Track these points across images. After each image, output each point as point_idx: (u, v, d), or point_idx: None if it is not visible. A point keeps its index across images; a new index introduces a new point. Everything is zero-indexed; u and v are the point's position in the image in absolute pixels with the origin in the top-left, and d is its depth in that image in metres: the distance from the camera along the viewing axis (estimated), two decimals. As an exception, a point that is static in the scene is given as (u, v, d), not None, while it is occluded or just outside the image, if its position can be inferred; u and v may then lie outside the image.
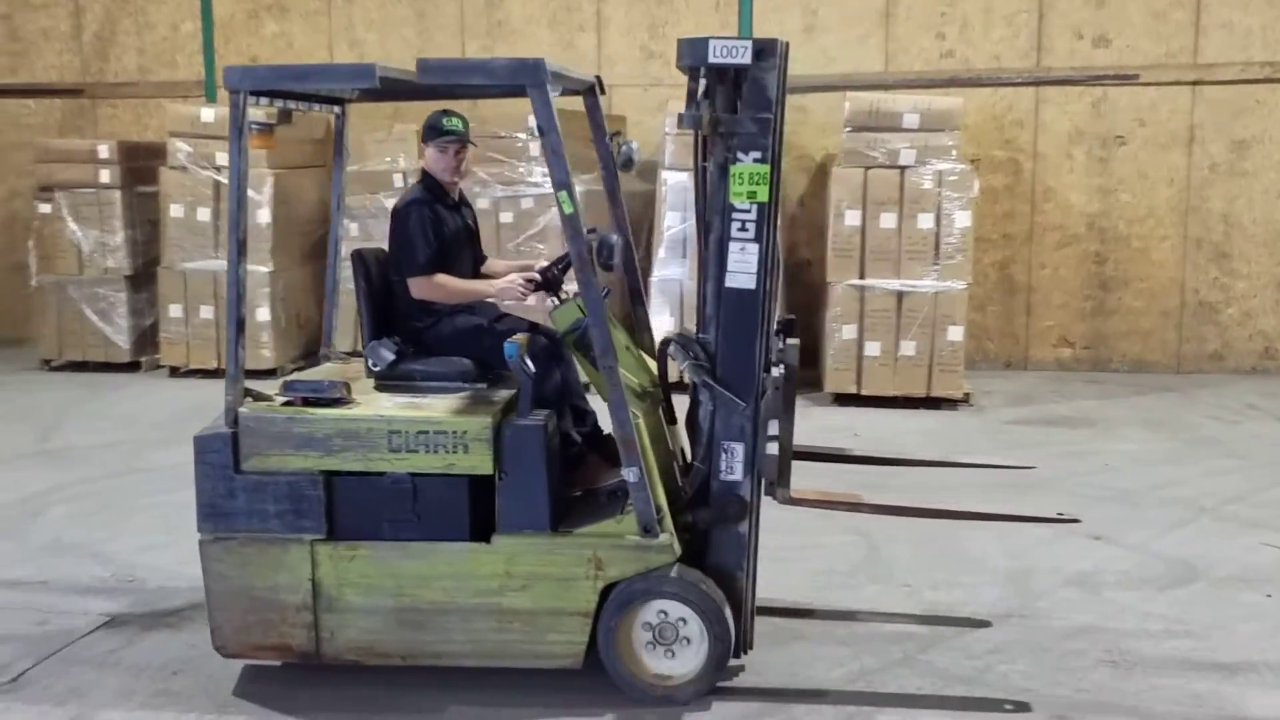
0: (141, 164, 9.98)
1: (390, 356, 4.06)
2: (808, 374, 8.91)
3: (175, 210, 9.57)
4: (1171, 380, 9.40)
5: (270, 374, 9.45)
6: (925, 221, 8.32)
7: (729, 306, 3.84)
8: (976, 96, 9.43)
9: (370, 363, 4.10)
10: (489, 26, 10.40)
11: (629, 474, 3.72)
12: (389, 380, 4.11)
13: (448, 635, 3.83)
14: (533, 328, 4.26)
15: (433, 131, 4.37)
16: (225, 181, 9.36)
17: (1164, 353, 9.75)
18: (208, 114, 9.57)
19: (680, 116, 3.83)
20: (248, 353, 9.91)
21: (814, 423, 7.92)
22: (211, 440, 3.82)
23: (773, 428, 3.86)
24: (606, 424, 3.96)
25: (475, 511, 3.80)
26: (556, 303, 4.20)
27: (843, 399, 8.44)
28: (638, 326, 4.55)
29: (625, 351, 4.13)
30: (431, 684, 3.96)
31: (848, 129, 8.49)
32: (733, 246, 3.80)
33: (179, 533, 5.44)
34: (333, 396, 3.87)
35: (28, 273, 10.18)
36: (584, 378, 4.18)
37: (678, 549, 3.80)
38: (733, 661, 3.93)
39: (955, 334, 8.34)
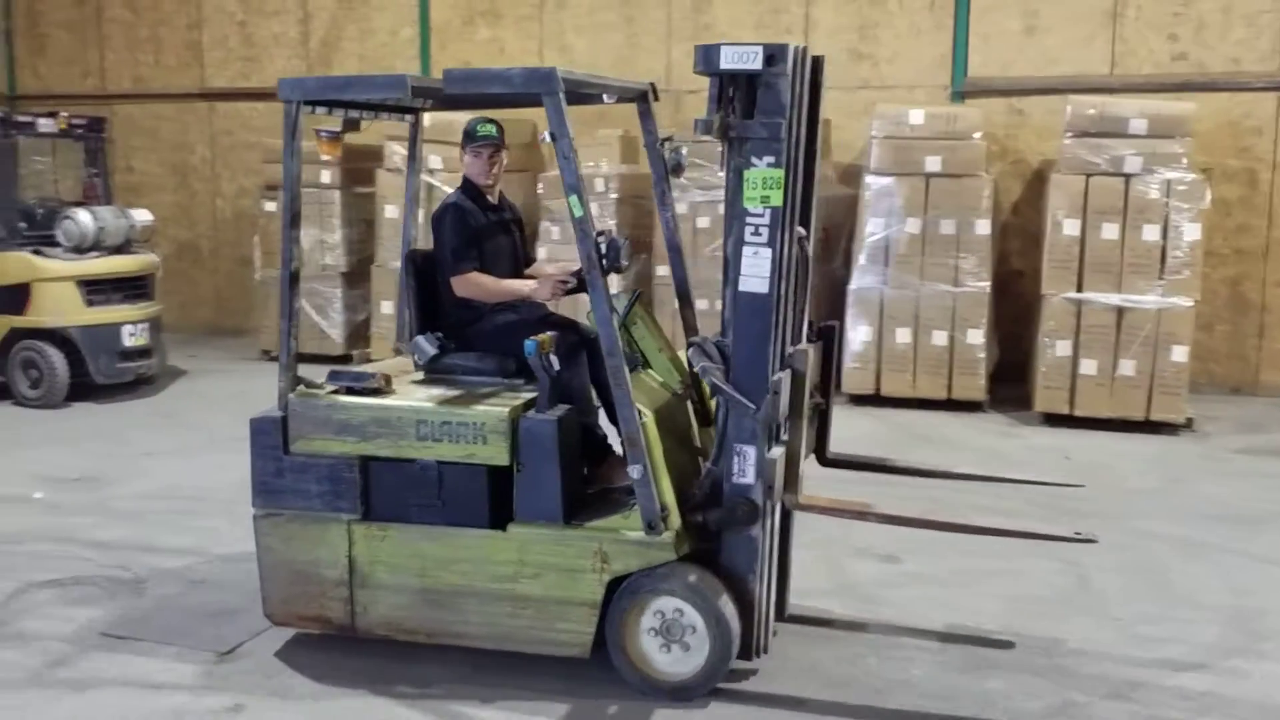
0: (359, 166, 10.42)
1: (431, 350, 4.26)
2: (1016, 391, 8.53)
3: (389, 211, 9.94)
4: None
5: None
6: (1150, 233, 7.83)
7: (742, 310, 3.86)
8: (1210, 102, 8.82)
9: (414, 357, 4.32)
10: (695, 31, 10.40)
11: (633, 471, 3.80)
12: (434, 373, 4.31)
13: (466, 617, 4.02)
14: (568, 325, 4.37)
15: (467, 137, 4.52)
16: (436, 184, 9.70)
17: None
18: (425, 119, 9.89)
19: (696, 122, 3.86)
20: (381, 347, 10.17)
21: (1020, 442, 7.58)
22: (264, 423, 4.13)
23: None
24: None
25: (494, 500, 3.96)
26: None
27: (1053, 419, 8.02)
28: (687, 329, 4.53)
29: (658, 354, 4.31)
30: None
31: (1068, 134, 8.08)
32: (746, 250, 3.82)
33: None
34: (371, 387, 4.10)
35: (253, 267, 10.79)
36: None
37: (684, 548, 3.84)
38: (749, 664, 3.98)
39: (1179, 354, 7.81)
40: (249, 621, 4.42)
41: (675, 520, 3.84)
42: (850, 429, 7.89)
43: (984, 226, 8.36)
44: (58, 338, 8.40)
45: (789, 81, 3.74)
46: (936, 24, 9.71)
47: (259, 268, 10.62)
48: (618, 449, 4.13)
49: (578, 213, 3.82)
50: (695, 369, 3.99)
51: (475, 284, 4.35)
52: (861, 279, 8.60)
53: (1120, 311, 7.88)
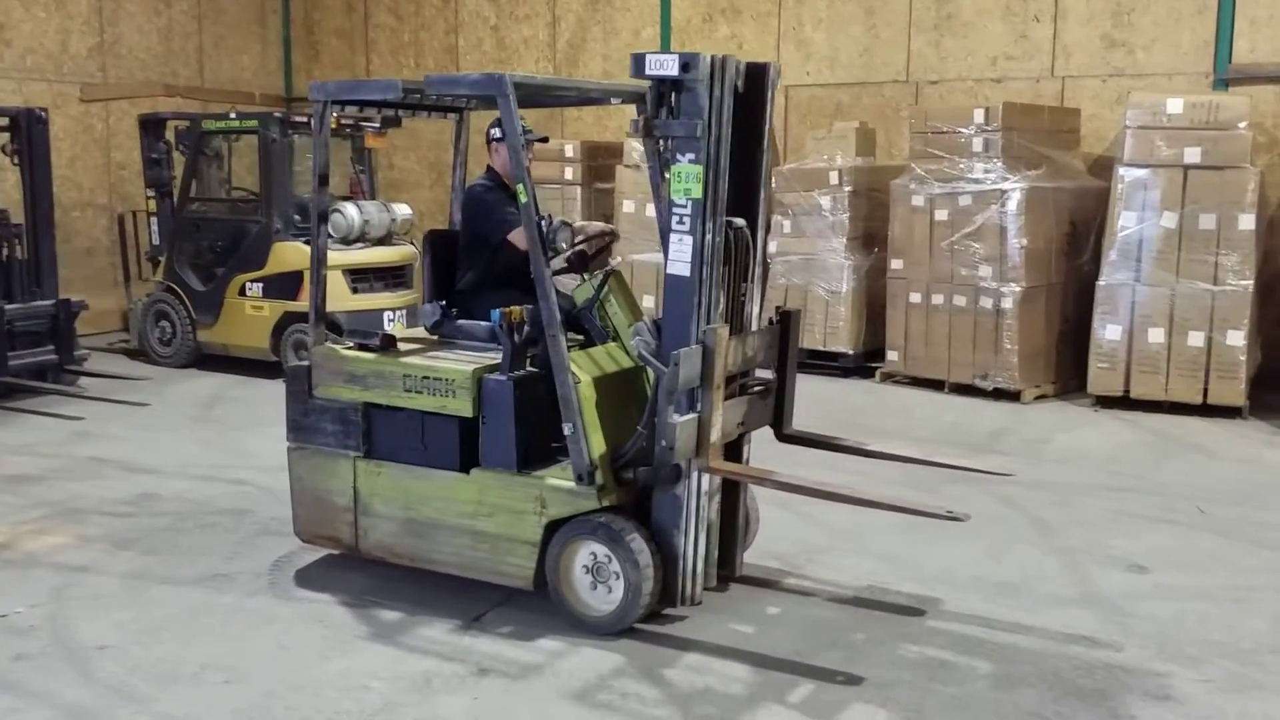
0: (600, 162, 10.76)
1: (435, 316, 4.96)
2: (1273, 398, 7.97)
3: (628, 206, 10.23)
4: None
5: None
6: None
7: (669, 290, 4.31)
8: None
9: (421, 321, 5.01)
10: (938, 20, 10.20)
11: (565, 428, 4.28)
12: (443, 338, 4.96)
13: (438, 546, 4.63)
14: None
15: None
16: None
17: None
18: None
19: (631, 122, 4.45)
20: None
21: (1283, 451, 7.10)
22: (297, 370, 4.93)
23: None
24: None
25: (464, 447, 4.54)
26: (579, 281, 4.89)
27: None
28: None
29: (628, 329, 4.61)
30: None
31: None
32: (672, 238, 4.27)
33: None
34: (376, 345, 4.80)
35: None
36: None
37: (610, 498, 4.31)
38: (678, 610, 4.44)
39: None
40: (492, 593, 4.68)
41: (603, 474, 4.30)
42: (1096, 433, 7.60)
43: (1248, 221, 7.84)
44: (326, 321, 9.04)
45: (706, 87, 4.15)
46: (1199, 7, 9.16)
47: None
48: None
49: (523, 199, 4.32)
50: (631, 343, 4.46)
51: (519, 239, 4.77)
52: (1112, 275, 8.23)
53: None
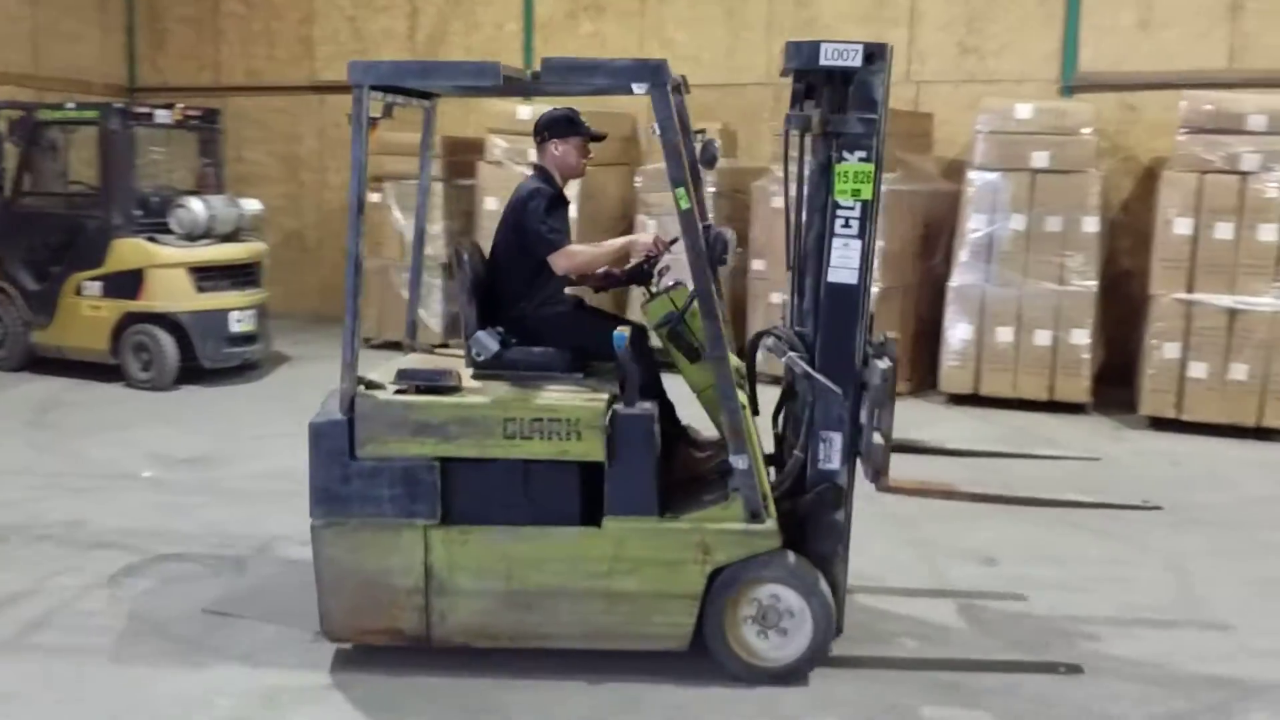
0: (461, 158, 10.57)
1: (495, 347, 4.12)
2: (1121, 394, 8.30)
3: (490, 203, 10.06)
4: None
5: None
6: (1267, 233, 7.55)
7: (831, 300, 3.96)
8: (1337, 96, 8.46)
9: (474, 352, 4.15)
10: (798, 24, 10.32)
11: (738, 461, 3.83)
12: (489, 369, 4.15)
13: (556, 617, 3.94)
14: (613, 317, 4.38)
15: (573, 126, 4.44)
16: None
17: None
18: (524, 111, 10.00)
19: (788, 117, 4.00)
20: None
21: (1126, 446, 7.39)
22: (328, 427, 3.90)
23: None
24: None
25: (585, 497, 3.90)
26: (647, 295, 4.34)
27: (1160, 423, 7.78)
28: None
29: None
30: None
31: (1183, 131, 7.83)
32: (836, 243, 3.93)
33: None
34: (448, 385, 3.97)
35: (358, 257, 11.00)
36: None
37: (782, 536, 3.88)
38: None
39: (1296, 358, 7.52)
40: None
41: (773, 508, 3.88)
42: (954, 428, 7.78)
43: (1092, 224, 8.15)
44: (168, 322, 8.68)
45: (884, 79, 3.84)
46: (1047, 16, 9.49)
47: (364, 258, 10.80)
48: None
49: (684, 205, 3.83)
50: (782, 360, 4.08)
51: (576, 254, 4.28)
52: (963, 276, 8.45)
53: (1233, 314, 7.62)
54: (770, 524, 3.87)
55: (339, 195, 12.53)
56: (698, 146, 4.35)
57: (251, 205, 9.39)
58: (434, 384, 3.99)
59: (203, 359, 8.82)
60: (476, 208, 10.23)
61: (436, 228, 10.49)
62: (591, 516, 3.91)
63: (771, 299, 9.07)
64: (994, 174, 8.31)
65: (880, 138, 3.89)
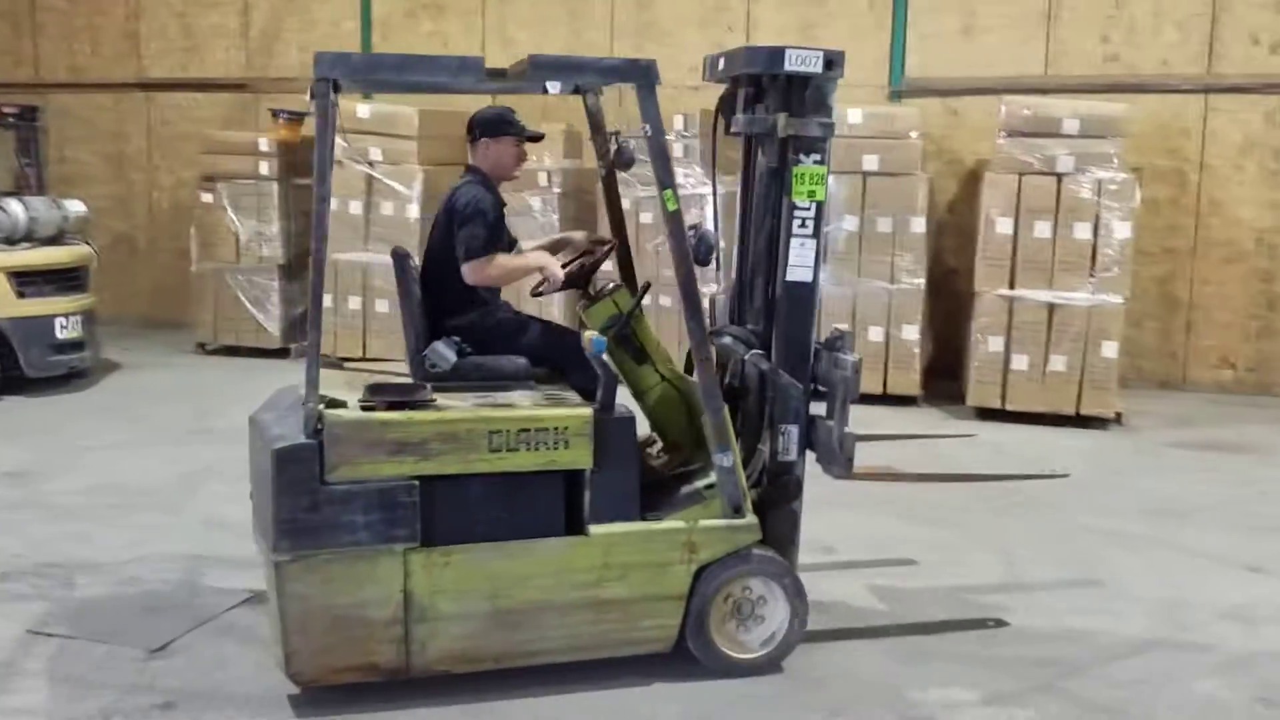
0: (299, 158, 10.32)
1: (453, 357, 4.00)
2: (949, 386, 8.69)
3: (330, 203, 9.85)
4: (1344, 407, 8.85)
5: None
6: (1082, 231, 8.00)
7: (789, 299, 4.08)
8: (1141, 103, 9.01)
9: (429, 364, 4.01)
10: (639, 27, 10.43)
11: (722, 459, 3.88)
12: (441, 381, 3.99)
13: (544, 633, 3.82)
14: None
15: (508, 127, 4.38)
16: (378, 176, 9.65)
17: (1336, 378, 9.18)
18: (363, 110, 9.84)
19: (744, 120, 4.12)
20: (390, 344, 10.12)
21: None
22: (294, 451, 3.57)
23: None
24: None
25: (569, 506, 3.83)
26: (585, 300, 4.34)
27: (986, 413, 8.17)
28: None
29: (657, 346, 4.34)
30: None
31: (1003, 134, 8.23)
32: (793, 243, 4.05)
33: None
34: (423, 399, 3.76)
35: (190, 260, 10.65)
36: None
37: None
38: None
39: (1109, 350, 7.99)
40: (181, 618, 4.38)
41: (749, 503, 3.95)
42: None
43: (920, 225, 8.49)
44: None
45: (836, 85, 4.02)
46: (876, 24, 9.83)
47: (196, 260, 10.48)
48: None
49: (672, 207, 3.84)
50: (745, 357, 4.20)
51: (496, 266, 4.17)
52: (801, 275, 8.68)
53: (1052, 308, 8.05)
54: (751, 518, 3.94)
55: (169, 196, 12.10)
56: (611, 148, 4.38)
57: (75, 207, 9.00)
58: (409, 399, 3.75)
59: (26, 368, 8.38)
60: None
61: (273, 228, 10.23)
62: (573, 526, 3.82)
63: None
64: (829, 177, 8.56)
65: (830, 141, 4.04)
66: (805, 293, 4.08)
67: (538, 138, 4.55)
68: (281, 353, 10.25)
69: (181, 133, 11.78)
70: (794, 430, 4.07)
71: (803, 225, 4.03)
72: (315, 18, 11.39)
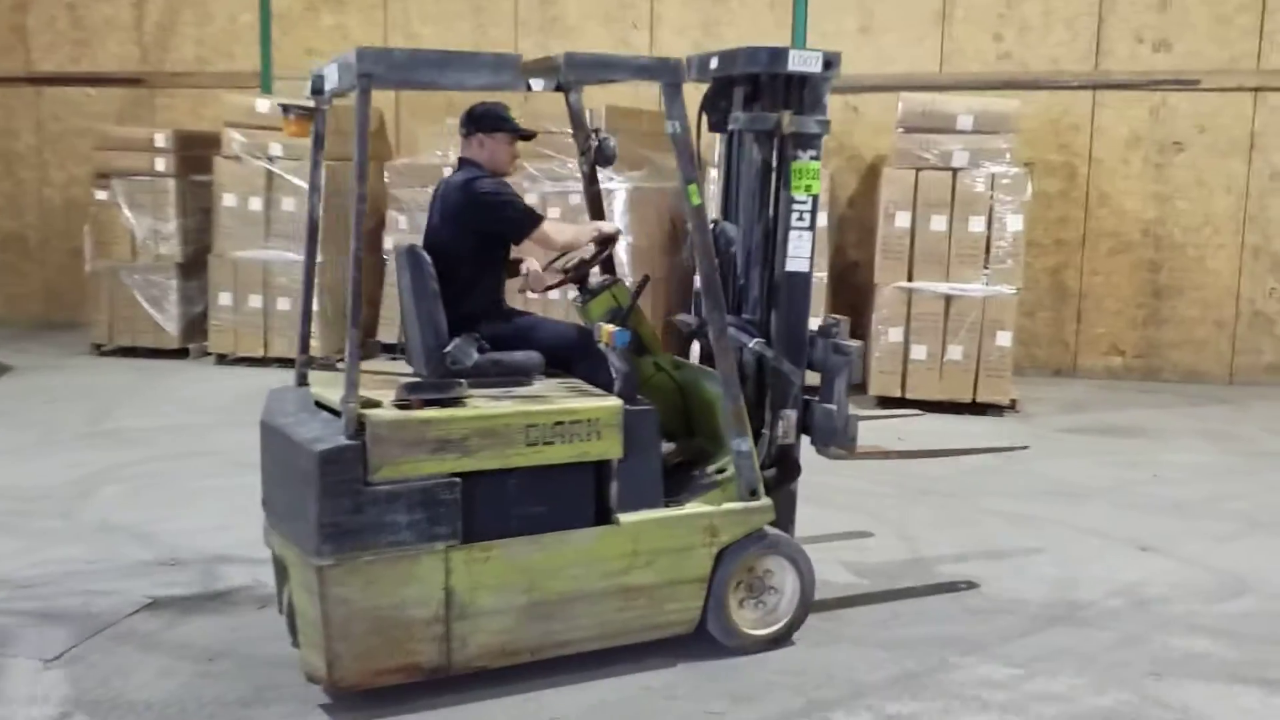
0: (196, 153, 10.11)
1: (474, 354, 3.98)
2: (853, 376, 8.85)
3: (228, 199, 9.68)
4: (1224, 391, 9.23)
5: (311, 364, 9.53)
6: (977, 225, 8.23)
7: (788, 289, 4.25)
8: (1033, 99, 9.31)
9: (450, 361, 3.96)
10: (544, 22, 10.42)
11: (739, 444, 4.04)
12: (457, 378, 3.94)
13: (576, 623, 3.89)
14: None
15: (501, 122, 4.38)
16: (278, 172, 9.49)
17: (1217, 363, 9.58)
18: (262, 104, 9.68)
19: (745, 118, 4.30)
20: (293, 342, 9.98)
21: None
22: (337, 453, 3.49)
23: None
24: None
25: (597, 496, 3.90)
26: (582, 295, 4.48)
27: (887, 402, 8.36)
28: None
29: (653, 337, 4.52)
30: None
31: (900, 130, 8.41)
32: (791, 235, 4.23)
33: (226, 516, 5.54)
34: (457, 396, 3.75)
35: (84, 259, 10.36)
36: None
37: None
38: None
39: (1004, 339, 8.24)
40: (77, 626, 4.28)
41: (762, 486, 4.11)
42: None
43: (821, 219, 8.55)
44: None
45: (831, 84, 4.22)
46: (777, 22, 9.96)
47: (90, 259, 10.20)
48: None
49: (695, 201, 3.92)
50: (750, 345, 4.31)
51: (555, 232, 4.37)
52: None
53: (948, 299, 8.26)
54: (766, 500, 4.10)
55: (61, 193, 11.75)
56: (593, 145, 4.40)
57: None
58: (446, 397, 3.73)
59: (-92, 372, 8.09)
60: (215, 204, 9.80)
61: (171, 225, 10.02)
62: (601, 516, 3.89)
63: (530, 295, 9.11)
64: (712, 170, 8.64)
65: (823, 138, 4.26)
66: (803, 282, 4.28)
67: (531, 135, 4.58)
68: (180, 353, 10.03)
69: (73, 128, 11.44)
70: (792, 415, 4.27)
71: (800, 218, 4.23)
72: (212, 10, 11.16)
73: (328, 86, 4.00)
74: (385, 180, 9.72)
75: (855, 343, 4.29)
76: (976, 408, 8.25)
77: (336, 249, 9.74)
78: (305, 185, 9.32)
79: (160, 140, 9.98)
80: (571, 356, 4.29)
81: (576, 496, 3.85)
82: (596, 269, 4.65)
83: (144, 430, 7.43)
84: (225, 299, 9.74)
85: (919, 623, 4.50)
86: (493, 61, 3.78)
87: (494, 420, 3.70)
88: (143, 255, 10.05)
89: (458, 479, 3.63)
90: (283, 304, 9.58)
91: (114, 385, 8.84)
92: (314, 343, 9.37)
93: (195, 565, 5.01)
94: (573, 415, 3.79)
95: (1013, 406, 8.31)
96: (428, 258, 4.15)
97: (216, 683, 3.91)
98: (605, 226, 4.50)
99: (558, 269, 4.64)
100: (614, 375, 3.96)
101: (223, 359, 9.80)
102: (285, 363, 9.52)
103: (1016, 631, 4.44)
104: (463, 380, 3.83)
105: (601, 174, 8.69)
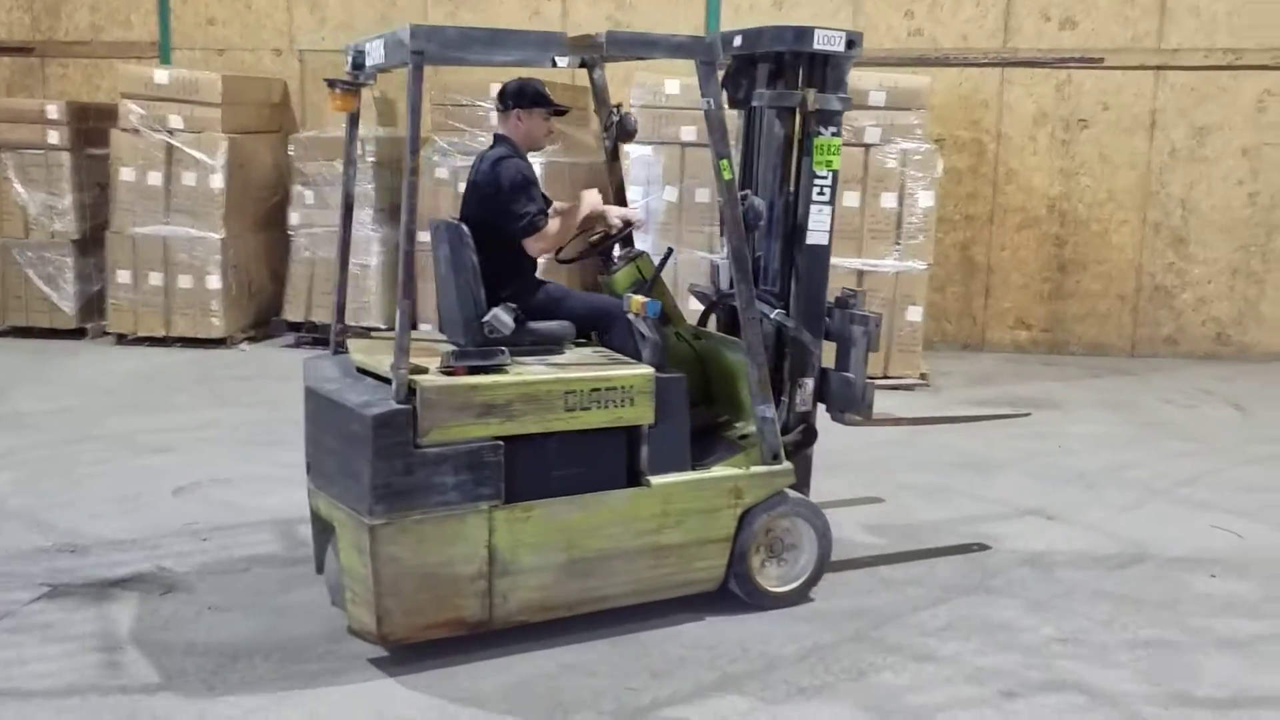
0: (92, 126, 9.74)
1: (511, 323, 4.10)
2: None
3: (126, 174, 9.36)
4: (1126, 363, 9.48)
5: (219, 343, 9.30)
6: (889, 200, 8.30)
7: (808, 261, 4.44)
8: (943, 76, 9.41)
9: (488, 330, 4.10)
10: (452, -8, 10.24)
11: (763, 410, 4.24)
12: (495, 346, 4.08)
13: (611, 580, 4.09)
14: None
15: (540, 99, 4.51)
16: (178, 145, 9.21)
17: (1119, 336, 9.83)
18: (161, 75, 9.37)
19: (771, 95, 4.48)
20: (195, 321, 9.73)
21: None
22: (389, 417, 3.66)
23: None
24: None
25: (630, 460, 4.09)
26: (605, 267, 4.69)
27: (802, 377, 8.41)
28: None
29: (674, 307, 4.69)
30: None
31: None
32: (813, 209, 4.40)
33: (126, 501, 5.37)
34: (501, 364, 3.94)
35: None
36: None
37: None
38: None
39: (915, 314, 8.34)
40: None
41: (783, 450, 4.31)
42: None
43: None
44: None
45: (853, 63, 4.37)
46: (691, -6, 9.92)
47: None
48: None
49: (727, 176, 4.10)
50: (773, 316, 4.48)
51: (550, 237, 4.40)
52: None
53: (861, 274, 8.33)
54: (787, 464, 4.30)
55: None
56: (614, 120, 4.60)
57: None
58: (490, 364, 3.92)
59: None
60: (113, 178, 9.46)
61: (65, 201, 9.65)
62: (632, 478, 4.08)
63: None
64: (648, 147, 8.62)
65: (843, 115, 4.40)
66: (823, 255, 4.43)
67: (566, 110, 4.71)
68: (77, 333, 9.69)
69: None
70: (809, 383, 4.49)
71: (821, 193, 4.39)
72: (106, -24, 10.75)
73: (370, 62, 4.13)
74: (290, 153, 9.47)
75: (873, 313, 4.45)
76: (887, 382, 8.34)
77: (240, 224, 9.51)
78: (207, 159, 9.15)
79: (53, 112, 9.59)
80: (601, 326, 4.47)
81: (610, 460, 4.05)
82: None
83: (39, 414, 7.17)
84: (124, 277, 9.41)
85: (834, 595, 4.53)
86: (540, 39, 3.95)
87: (536, 386, 3.89)
88: (36, 232, 9.67)
89: (501, 442, 3.82)
90: (184, 281, 9.30)
91: (7, 367, 8.51)
92: (216, 321, 9.25)
93: (95, 551, 4.85)
94: (608, 382, 4.00)
95: (923, 380, 8.43)
96: (466, 230, 4.26)
97: (121, 672, 3.80)
98: (595, 203, 4.59)
99: (587, 241, 4.80)
100: (641, 344, 4.18)
101: (122, 339, 9.49)
102: (189, 342, 9.28)
103: (929, 601, 4.50)
104: (505, 349, 4.00)
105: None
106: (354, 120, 4.48)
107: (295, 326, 9.55)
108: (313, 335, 9.41)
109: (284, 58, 10.54)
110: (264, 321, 9.77)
